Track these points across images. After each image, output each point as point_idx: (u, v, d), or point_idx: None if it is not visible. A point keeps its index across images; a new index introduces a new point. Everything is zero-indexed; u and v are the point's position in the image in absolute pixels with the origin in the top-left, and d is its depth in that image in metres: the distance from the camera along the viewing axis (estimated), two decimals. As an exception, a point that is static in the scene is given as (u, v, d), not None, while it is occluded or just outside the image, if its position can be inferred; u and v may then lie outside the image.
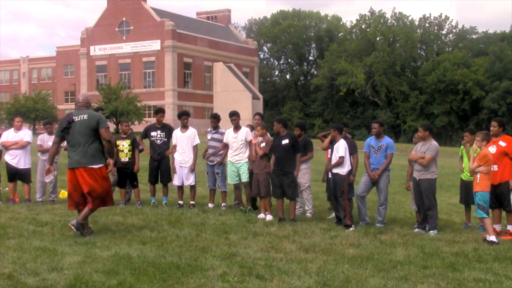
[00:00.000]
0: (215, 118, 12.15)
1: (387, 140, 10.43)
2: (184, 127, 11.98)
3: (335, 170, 9.98)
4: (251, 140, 11.41)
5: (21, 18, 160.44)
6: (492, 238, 8.57)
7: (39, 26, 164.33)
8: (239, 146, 11.40)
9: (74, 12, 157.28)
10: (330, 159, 10.34)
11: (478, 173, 8.80)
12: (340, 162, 9.87)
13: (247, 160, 11.34)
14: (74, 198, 8.59)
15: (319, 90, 76.23)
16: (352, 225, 9.74)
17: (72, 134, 8.53)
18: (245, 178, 11.41)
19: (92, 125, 8.50)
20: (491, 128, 9.58)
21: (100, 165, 8.59)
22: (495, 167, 9.24)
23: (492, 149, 9.33)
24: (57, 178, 12.59)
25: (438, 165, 9.98)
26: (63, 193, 13.70)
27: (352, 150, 10.32)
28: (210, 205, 12.08)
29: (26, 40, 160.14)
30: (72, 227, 8.37)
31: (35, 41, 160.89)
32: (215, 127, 12.11)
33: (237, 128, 11.48)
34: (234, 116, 11.55)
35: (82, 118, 8.52)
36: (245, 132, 11.43)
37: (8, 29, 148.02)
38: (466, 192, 10.08)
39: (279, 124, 10.71)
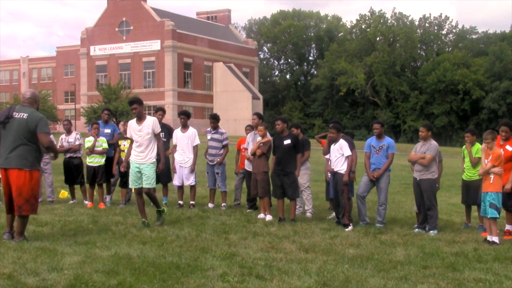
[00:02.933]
0: (214, 119, 12.15)
1: (388, 140, 10.43)
2: (184, 127, 11.98)
3: (336, 169, 9.99)
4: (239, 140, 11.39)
5: (19, 18, 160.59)
6: (495, 239, 8.56)
7: (37, 26, 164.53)
8: (144, 142, 9.47)
9: (72, 11, 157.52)
10: (330, 160, 10.35)
11: (492, 174, 8.74)
12: (351, 161, 9.90)
13: (154, 160, 9.53)
14: (5, 201, 7.99)
15: (319, 90, 76.23)
16: (350, 224, 9.75)
17: (8, 130, 7.83)
18: (148, 183, 9.45)
19: (31, 126, 7.79)
20: (502, 133, 9.44)
21: (32, 169, 7.85)
22: None
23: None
24: (52, 180, 12.58)
25: (437, 165, 9.97)
26: (63, 193, 13.70)
27: (351, 147, 10.33)
28: (210, 205, 12.08)
29: (24, 39, 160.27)
30: (19, 241, 7.83)
31: (33, 40, 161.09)
32: (215, 127, 12.12)
33: (140, 119, 9.55)
34: (135, 104, 9.48)
35: (21, 117, 7.83)
36: (151, 123, 9.46)
37: (6, 29, 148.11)
38: (467, 193, 10.08)
39: (285, 124, 10.75)
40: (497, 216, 8.67)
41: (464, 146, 10.31)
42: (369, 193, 10.57)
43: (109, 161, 12.05)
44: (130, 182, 9.75)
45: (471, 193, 9.89)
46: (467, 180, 10.13)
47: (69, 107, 73.99)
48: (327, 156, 11.34)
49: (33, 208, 7.98)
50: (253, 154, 10.89)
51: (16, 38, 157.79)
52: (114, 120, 53.79)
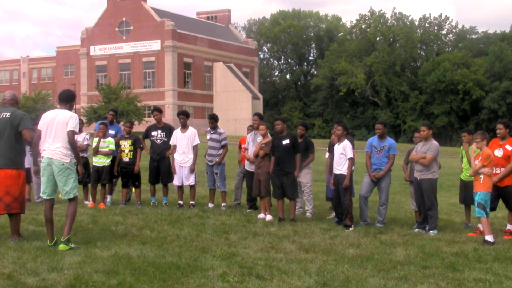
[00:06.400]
0: (213, 119, 12.14)
1: (390, 141, 10.41)
2: (184, 127, 11.98)
3: (338, 171, 9.97)
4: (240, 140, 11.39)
5: (16, 17, 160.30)
6: (489, 238, 8.57)
7: (34, 25, 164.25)
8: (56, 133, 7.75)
9: (69, 11, 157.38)
10: (331, 160, 10.34)
11: (482, 174, 8.76)
12: (351, 164, 9.88)
13: (67, 160, 7.69)
14: None
15: (319, 90, 76.20)
16: (352, 225, 9.75)
17: None
18: (67, 192, 7.73)
19: (14, 124, 7.86)
20: (498, 131, 9.43)
21: (19, 168, 7.95)
22: (497, 170, 9.20)
23: (499, 152, 9.26)
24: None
25: (438, 165, 9.97)
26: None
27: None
28: (210, 205, 12.08)
29: (22, 39, 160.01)
30: (17, 240, 7.88)
31: (31, 40, 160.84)
32: (214, 127, 12.12)
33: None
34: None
35: (4, 116, 7.90)
36: (68, 116, 7.75)
37: (3, 28, 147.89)
38: (466, 192, 10.08)
39: (285, 124, 10.79)
40: (484, 215, 8.68)
41: (462, 146, 10.32)
42: (371, 193, 10.57)
43: (114, 161, 12.10)
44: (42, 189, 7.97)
45: (469, 192, 9.90)
46: (465, 180, 10.14)
47: (69, 107, 73.81)
48: (326, 156, 11.36)
49: (22, 207, 8.04)
50: (256, 155, 10.90)
51: (14, 38, 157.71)
52: (115, 120, 53.72)
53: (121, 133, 12.65)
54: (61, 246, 7.42)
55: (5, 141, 7.88)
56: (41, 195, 8.05)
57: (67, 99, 8.05)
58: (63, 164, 7.65)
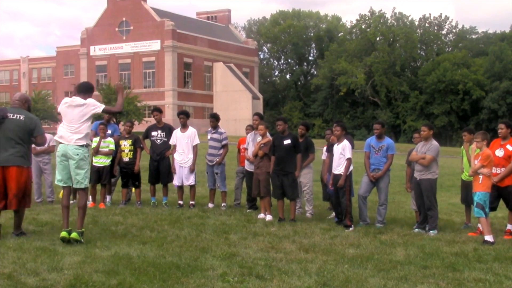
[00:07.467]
0: (214, 118, 12.16)
1: (388, 141, 10.42)
2: (184, 127, 11.99)
3: (337, 171, 9.97)
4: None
5: (15, 17, 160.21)
6: (489, 238, 8.57)
7: (33, 25, 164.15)
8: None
9: (68, 10, 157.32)
10: (331, 160, 10.33)
11: (481, 174, 8.76)
12: (349, 165, 9.87)
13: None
14: None
15: (319, 90, 76.22)
16: (352, 225, 9.75)
17: (3, 130, 8.11)
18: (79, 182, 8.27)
19: (29, 127, 8.23)
20: (499, 131, 9.42)
21: (29, 166, 8.44)
22: (498, 170, 9.19)
23: (500, 152, 9.25)
24: (52, 180, 12.58)
25: (438, 165, 9.97)
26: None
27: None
28: (210, 205, 12.08)
29: (22, 39, 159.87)
30: (18, 232, 8.31)
31: (31, 40, 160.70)
32: (214, 127, 12.12)
33: None
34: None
35: (18, 118, 8.19)
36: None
37: (3, 28, 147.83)
38: (467, 192, 10.07)
39: (286, 124, 10.81)
40: (483, 216, 8.67)
41: (463, 146, 10.32)
42: (370, 193, 10.58)
43: (113, 161, 12.10)
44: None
45: (470, 192, 9.89)
46: (466, 180, 10.13)
47: (69, 107, 73.71)
48: (323, 157, 11.37)
49: (30, 202, 8.60)
50: (255, 155, 10.91)
51: (13, 38, 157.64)
52: (114, 120, 53.79)
53: (118, 132, 12.64)
54: (74, 235, 7.81)
55: (17, 142, 8.19)
56: (56, 182, 8.41)
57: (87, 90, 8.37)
58: (77, 154, 8.09)
